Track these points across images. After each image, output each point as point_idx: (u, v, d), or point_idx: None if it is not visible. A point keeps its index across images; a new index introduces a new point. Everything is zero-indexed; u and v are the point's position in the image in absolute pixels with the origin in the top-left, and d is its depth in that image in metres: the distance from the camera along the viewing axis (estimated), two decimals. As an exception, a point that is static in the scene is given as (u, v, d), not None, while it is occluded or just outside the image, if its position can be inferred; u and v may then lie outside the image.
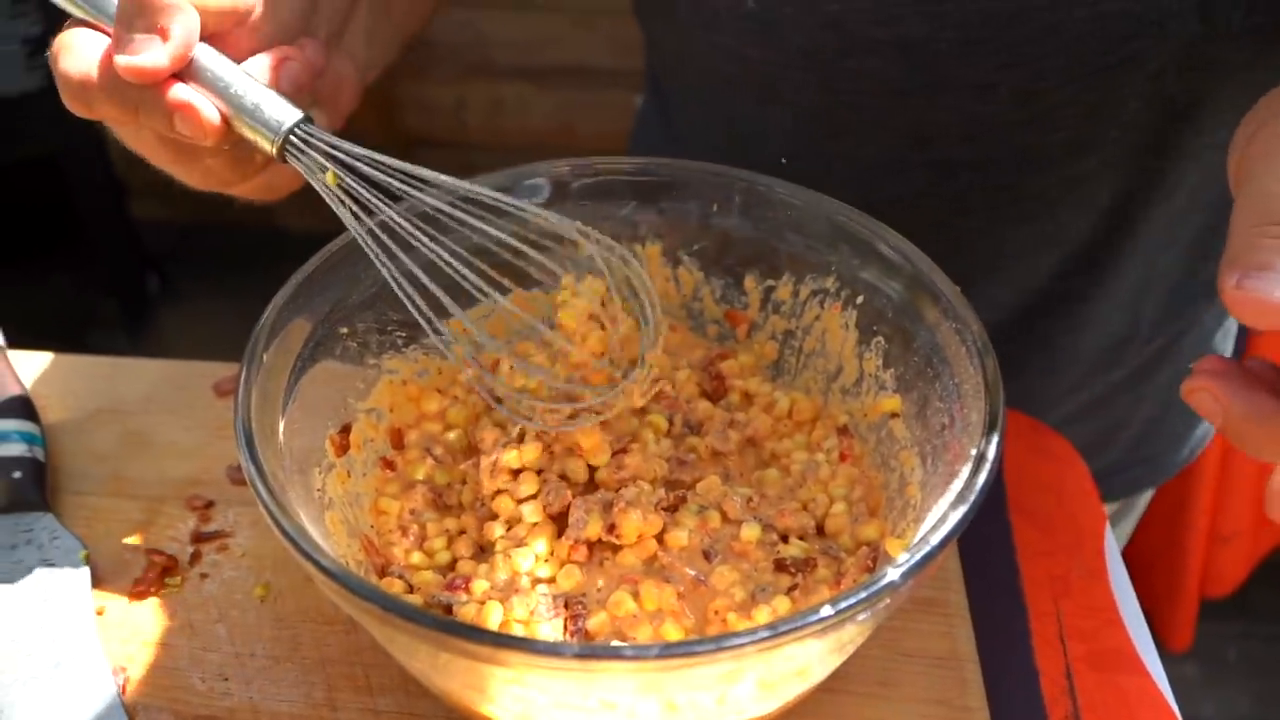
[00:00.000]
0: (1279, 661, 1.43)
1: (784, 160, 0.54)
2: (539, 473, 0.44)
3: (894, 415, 0.46)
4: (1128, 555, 0.65)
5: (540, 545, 0.42)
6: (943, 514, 0.35)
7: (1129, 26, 0.49)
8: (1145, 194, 0.56)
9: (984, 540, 0.52)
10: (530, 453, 0.44)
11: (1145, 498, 0.77)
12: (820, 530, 0.44)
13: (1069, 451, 0.58)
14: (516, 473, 0.44)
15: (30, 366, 0.59)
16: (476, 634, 0.30)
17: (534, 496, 0.44)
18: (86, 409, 0.56)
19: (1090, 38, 0.49)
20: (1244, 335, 1.27)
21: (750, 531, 0.43)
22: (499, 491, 0.44)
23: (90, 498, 0.52)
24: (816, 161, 0.56)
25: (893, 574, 0.33)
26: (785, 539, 0.43)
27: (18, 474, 0.51)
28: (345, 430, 0.45)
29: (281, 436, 0.39)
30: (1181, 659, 1.39)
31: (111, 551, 0.49)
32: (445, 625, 0.30)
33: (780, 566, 0.42)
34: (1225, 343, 0.70)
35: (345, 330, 0.45)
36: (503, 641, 0.30)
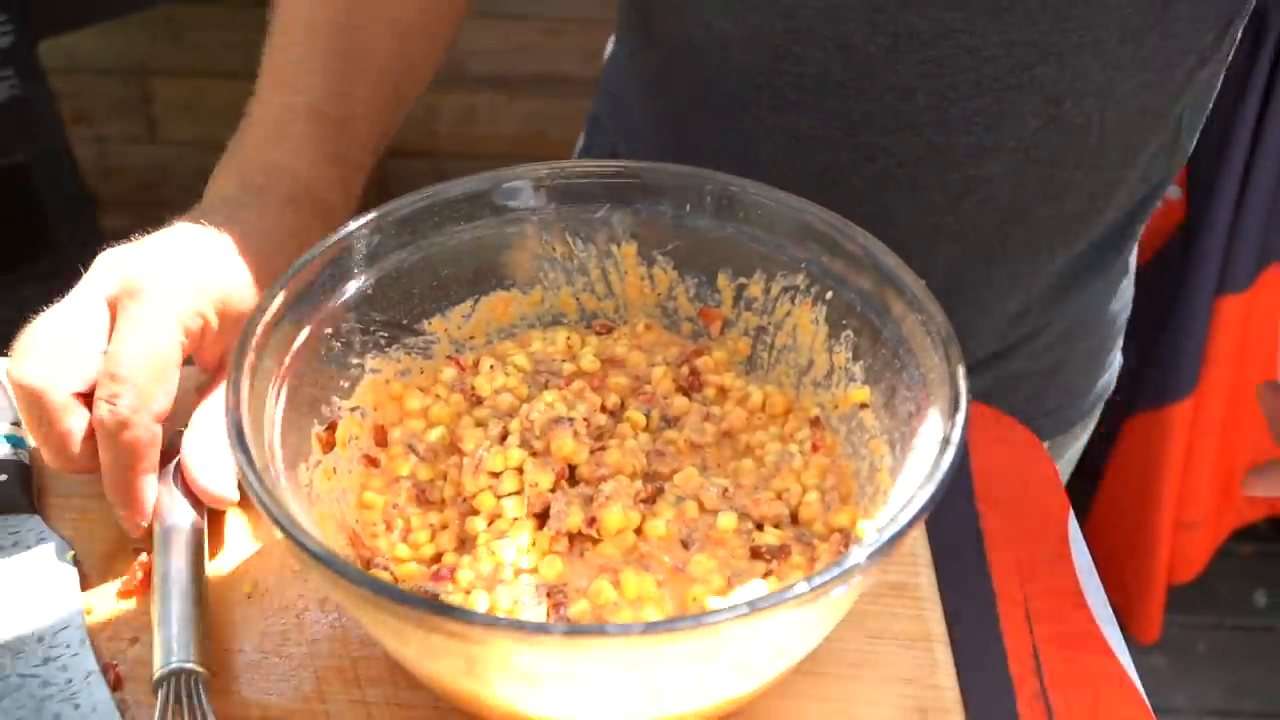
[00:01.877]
0: (1248, 652, 1.46)
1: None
2: (520, 471, 0.45)
3: (863, 406, 0.47)
4: (1094, 546, 0.67)
5: (523, 537, 0.44)
6: (911, 494, 0.37)
7: (1034, 55, 0.54)
8: (1041, 198, 0.61)
9: (952, 527, 0.54)
10: (513, 455, 0.45)
11: (1073, 452, 0.80)
12: (794, 518, 0.46)
13: (1032, 441, 0.60)
14: (498, 473, 0.46)
15: (12, 373, 0.59)
16: (467, 615, 0.32)
17: (516, 493, 0.45)
18: (70, 414, 0.57)
19: (999, 61, 0.54)
20: (1171, 307, 1.31)
21: (726, 521, 0.44)
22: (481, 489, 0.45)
23: (76, 499, 0.52)
24: (758, 130, 0.61)
25: (865, 551, 0.35)
26: (760, 527, 0.45)
27: (3, 476, 0.51)
28: (331, 428, 0.46)
29: (271, 434, 0.41)
30: (1150, 650, 1.42)
31: (98, 552, 0.50)
32: (438, 608, 0.31)
33: (756, 554, 0.43)
34: (1118, 305, 0.75)
35: (330, 331, 0.46)
36: (493, 623, 0.31)
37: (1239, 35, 0.61)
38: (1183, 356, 1.32)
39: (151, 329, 0.45)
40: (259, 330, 0.42)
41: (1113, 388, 0.79)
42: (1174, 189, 1.38)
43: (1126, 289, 0.75)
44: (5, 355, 0.60)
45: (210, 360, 0.49)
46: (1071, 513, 0.57)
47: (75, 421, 0.46)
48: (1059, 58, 0.55)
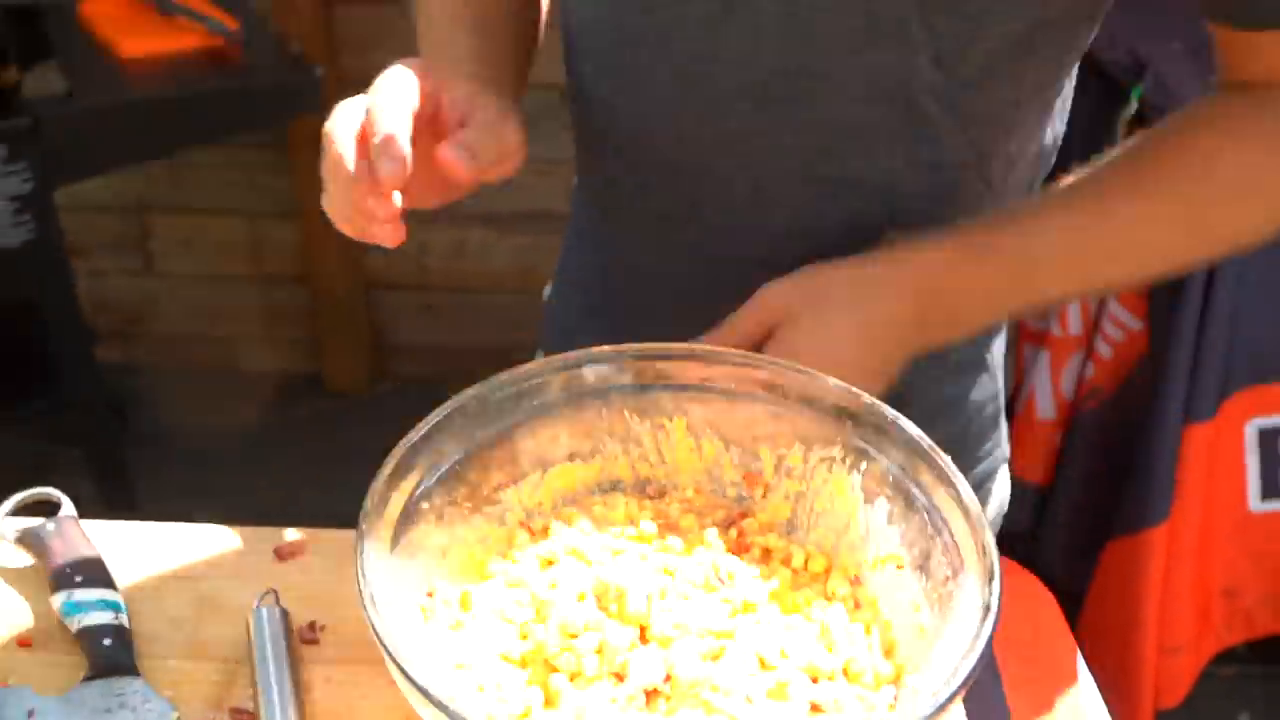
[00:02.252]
0: (1237, 772, 1.49)
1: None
2: (598, 632, 0.50)
3: (900, 567, 0.53)
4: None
5: (604, 693, 0.48)
6: (955, 664, 0.43)
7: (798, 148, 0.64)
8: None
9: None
10: (591, 619, 0.50)
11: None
12: (845, 672, 0.51)
13: (1041, 590, 0.66)
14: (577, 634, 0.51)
15: (99, 534, 0.63)
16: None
17: (596, 652, 0.50)
18: (158, 574, 0.61)
19: (793, 156, 0.64)
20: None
21: (785, 674, 0.49)
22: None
23: (171, 660, 0.56)
24: (632, 212, 0.72)
25: (922, 711, 0.40)
26: (815, 681, 0.50)
27: (107, 641, 0.55)
28: (431, 595, 0.51)
29: (390, 601, 0.46)
30: (1141, 775, 1.44)
31: (198, 712, 0.54)
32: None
33: (815, 707, 0.48)
34: (981, 396, 0.78)
35: (426, 505, 0.52)
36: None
37: (1041, 159, 0.68)
38: (1155, 483, 1.39)
39: (388, 95, 0.56)
40: (374, 504, 0.48)
41: (995, 478, 0.81)
42: (1135, 320, 1.47)
43: (988, 383, 0.78)
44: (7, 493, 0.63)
45: (447, 120, 0.58)
46: (1079, 651, 0.63)
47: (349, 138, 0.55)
48: (825, 151, 0.64)
